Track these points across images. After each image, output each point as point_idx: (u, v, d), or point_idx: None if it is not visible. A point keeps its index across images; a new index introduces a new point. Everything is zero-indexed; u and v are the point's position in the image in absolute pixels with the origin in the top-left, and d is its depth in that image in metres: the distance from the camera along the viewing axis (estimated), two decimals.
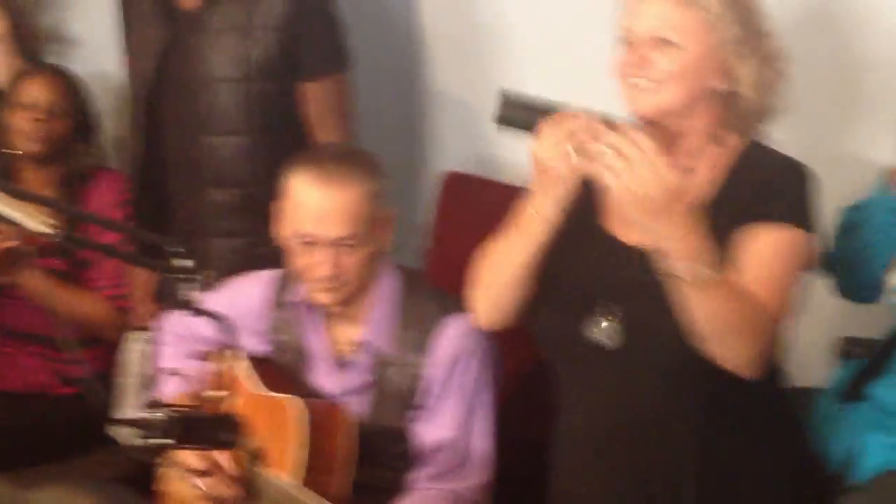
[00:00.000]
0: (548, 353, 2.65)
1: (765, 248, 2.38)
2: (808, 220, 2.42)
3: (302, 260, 2.74)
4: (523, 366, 2.99)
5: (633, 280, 2.43)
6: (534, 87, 3.43)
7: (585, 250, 2.48)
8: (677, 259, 2.25)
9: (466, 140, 3.77)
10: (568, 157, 2.32)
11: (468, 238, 3.47)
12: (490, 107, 3.56)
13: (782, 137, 2.56)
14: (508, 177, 3.59)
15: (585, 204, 2.51)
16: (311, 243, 2.71)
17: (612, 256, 2.48)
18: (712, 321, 2.30)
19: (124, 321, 3.65)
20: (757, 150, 2.50)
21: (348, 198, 2.70)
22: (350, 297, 2.78)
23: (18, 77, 3.80)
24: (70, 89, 3.78)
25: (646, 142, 2.22)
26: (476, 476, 2.78)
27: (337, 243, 2.70)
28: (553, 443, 2.68)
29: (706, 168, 2.48)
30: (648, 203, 2.21)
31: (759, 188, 2.42)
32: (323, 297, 2.76)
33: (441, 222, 3.64)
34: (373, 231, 2.73)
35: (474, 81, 3.70)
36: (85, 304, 3.66)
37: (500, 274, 2.56)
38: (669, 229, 2.23)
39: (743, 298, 2.32)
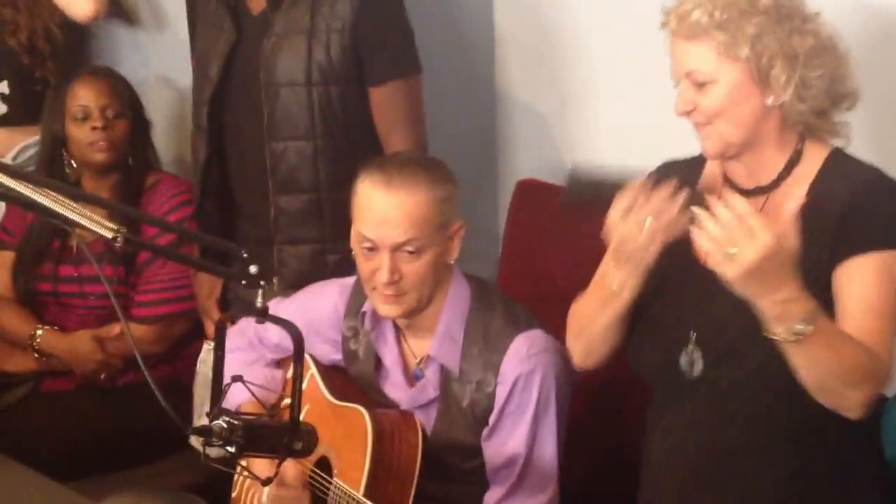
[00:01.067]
0: (643, 378, 2.65)
1: (865, 283, 2.35)
2: None
3: (365, 266, 2.73)
4: (614, 381, 2.96)
5: (716, 309, 2.42)
6: (605, 95, 3.54)
7: (675, 279, 2.47)
8: (774, 319, 2.22)
9: (539, 147, 3.74)
10: (649, 233, 2.34)
11: (541, 245, 3.53)
12: (562, 116, 3.62)
13: (865, 144, 2.53)
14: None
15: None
16: (372, 249, 2.69)
17: (698, 285, 2.46)
18: (818, 373, 2.28)
19: (167, 329, 3.67)
20: (840, 161, 2.47)
21: (411, 202, 2.68)
22: (415, 310, 2.75)
23: (66, 84, 3.74)
24: (119, 88, 3.74)
25: (740, 203, 2.20)
26: (542, 493, 2.75)
27: (397, 249, 2.67)
28: (643, 464, 2.67)
29: (791, 186, 2.45)
30: (744, 265, 2.17)
31: (847, 212, 2.37)
32: (385, 310, 2.75)
33: (513, 230, 3.61)
34: (437, 239, 2.71)
35: (546, 88, 3.67)
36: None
37: (588, 327, 2.58)
38: (764, 290, 2.20)
39: (847, 345, 2.28)
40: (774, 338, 2.23)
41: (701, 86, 2.39)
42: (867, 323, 2.32)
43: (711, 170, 2.57)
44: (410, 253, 2.67)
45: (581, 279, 3.31)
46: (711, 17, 2.35)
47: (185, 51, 3.63)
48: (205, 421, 2.14)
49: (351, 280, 2.90)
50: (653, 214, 2.31)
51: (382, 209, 2.68)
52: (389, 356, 2.85)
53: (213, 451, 2.15)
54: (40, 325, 3.70)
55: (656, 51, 3.09)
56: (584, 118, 3.60)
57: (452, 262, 2.77)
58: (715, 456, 2.50)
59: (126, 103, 3.71)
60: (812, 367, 2.27)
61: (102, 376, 3.67)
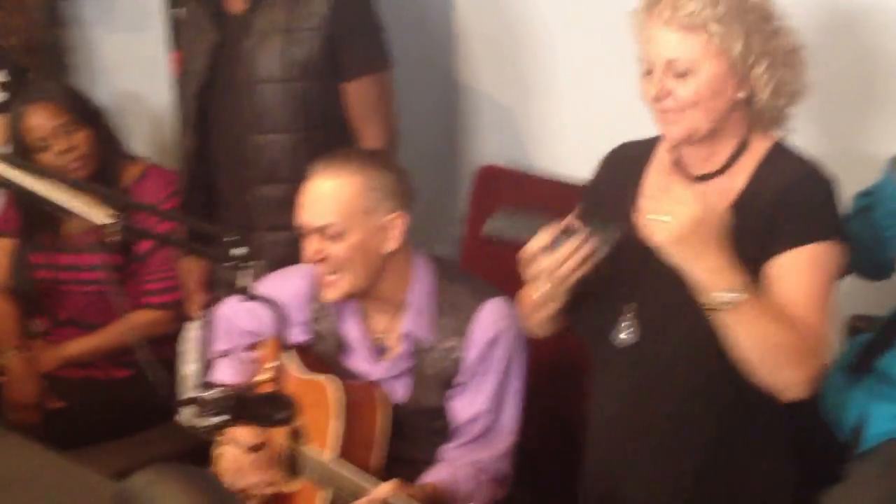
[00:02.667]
0: (585, 344, 2.70)
1: (797, 275, 2.37)
2: (832, 230, 2.42)
3: (304, 248, 2.77)
4: (559, 346, 2.95)
5: (649, 280, 2.46)
6: (565, 85, 3.54)
7: (615, 253, 2.47)
8: (704, 287, 2.28)
9: (500, 135, 3.78)
10: (558, 279, 2.43)
11: None
12: (522, 104, 3.65)
13: (804, 134, 2.57)
14: (539, 170, 3.62)
15: (618, 203, 2.56)
16: (301, 229, 2.75)
17: (636, 259, 2.48)
18: (749, 347, 2.32)
19: (176, 312, 3.70)
20: (778, 154, 2.50)
21: (331, 186, 2.71)
22: (357, 293, 2.79)
23: (17, 119, 3.66)
24: (61, 101, 3.67)
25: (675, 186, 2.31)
26: (500, 444, 2.81)
27: (319, 231, 2.71)
28: (587, 423, 2.72)
29: (735, 174, 2.49)
30: (673, 231, 2.26)
31: (777, 206, 2.40)
32: (324, 293, 2.79)
33: (476, 212, 3.64)
34: (362, 225, 2.72)
35: (508, 79, 3.71)
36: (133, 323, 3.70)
37: (532, 315, 2.65)
38: (693, 257, 2.27)
39: (778, 322, 2.32)
40: (705, 307, 2.29)
41: (680, 75, 2.39)
42: (801, 311, 2.35)
43: (663, 153, 2.59)
44: (332, 236, 2.70)
45: None
46: (713, 10, 2.35)
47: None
48: (192, 394, 2.20)
49: None
50: (554, 271, 2.39)
51: (310, 193, 2.74)
52: (353, 335, 2.88)
53: (203, 421, 2.19)
54: (12, 346, 3.72)
55: (614, 43, 3.13)
56: (544, 107, 3.63)
57: (391, 250, 2.76)
58: (642, 421, 2.56)
59: (75, 110, 3.67)
60: (743, 339, 2.30)
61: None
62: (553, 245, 2.41)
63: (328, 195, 2.71)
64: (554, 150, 3.63)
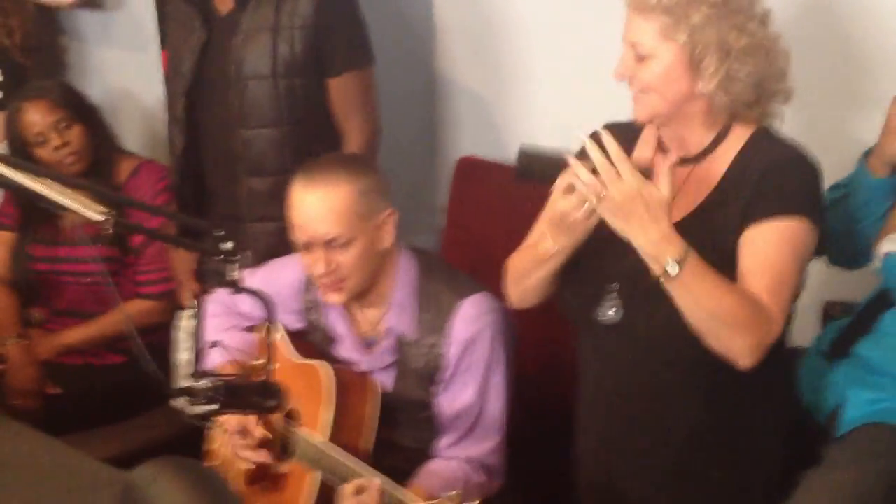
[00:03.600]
0: (571, 325, 2.70)
1: (765, 242, 2.38)
2: (807, 209, 2.41)
3: (305, 261, 2.78)
4: (552, 334, 3.01)
5: (633, 260, 2.41)
6: (541, 77, 3.54)
7: (599, 232, 2.45)
8: (649, 258, 2.30)
9: (478, 127, 3.79)
10: (588, 210, 2.36)
11: (480, 217, 3.54)
12: (500, 97, 3.65)
13: (789, 122, 2.57)
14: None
15: None
16: (307, 245, 2.74)
17: (619, 237, 2.45)
18: (697, 313, 2.32)
19: (169, 302, 3.73)
20: (762, 138, 2.50)
21: (330, 198, 2.70)
22: (361, 292, 2.81)
23: (15, 115, 3.71)
24: (57, 98, 3.71)
25: (615, 149, 2.26)
26: (490, 439, 2.83)
27: (327, 243, 2.71)
28: (576, 405, 2.74)
29: (717, 158, 2.50)
30: (610, 204, 2.27)
31: (760, 183, 2.41)
32: (330, 298, 2.80)
33: (455, 203, 3.68)
34: (364, 229, 2.73)
35: (485, 72, 3.73)
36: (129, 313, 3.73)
37: (523, 280, 2.63)
38: (635, 229, 2.28)
39: (725, 289, 2.32)
40: (654, 277, 2.29)
41: (641, 58, 2.41)
42: (762, 280, 2.34)
43: (648, 134, 2.59)
44: (341, 245, 2.71)
45: (517, 248, 3.38)
46: (660, 0, 2.38)
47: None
48: (185, 382, 2.23)
49: None
50: (593, 194, 2.29)
51: (306, 208, 2.72)
52: (340, 328, 2.89)
53: (197, 409, 2.23)
54: (13, 335, 3.77)
55: (589, 36, 3.16)
56: (520, 99, 3.65)
57: (387, 247, 2.78)
58: (631, 396, 2.57)
59: (70, 107, 3.71)
60: (690, 306, 2.30)
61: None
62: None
63: (327, 208, 2.70)
64: (530, 141, 3.58)
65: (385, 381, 2.84)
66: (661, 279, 2.29)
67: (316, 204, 2.71)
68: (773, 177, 2.41)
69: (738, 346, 2.34)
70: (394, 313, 2.82)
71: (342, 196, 2.71)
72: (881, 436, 2.55)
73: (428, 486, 2.68)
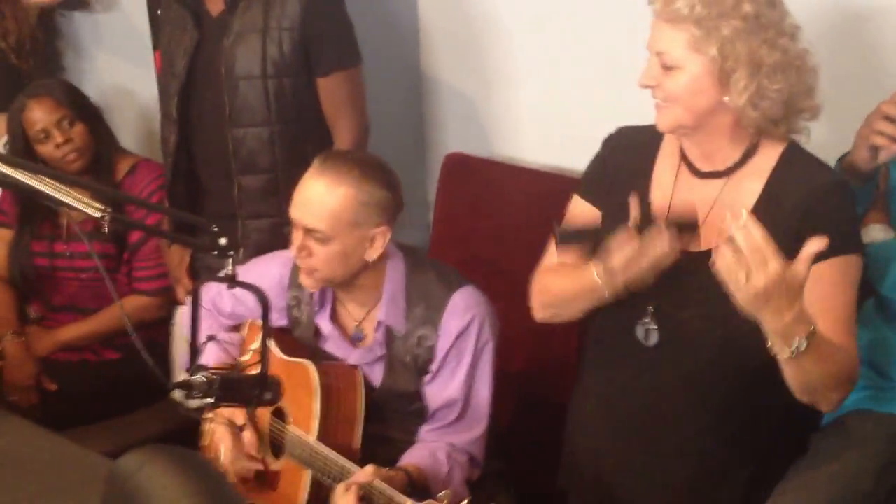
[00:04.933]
0: (593, 339, 2.68)
1: (832, 283, 2.33)
2: (859, 243, 2.41)
3: (292, 238, 2.78)
4: (542, 330, 2.96)
5: (671, 282, 2.41)
6: (525, 75, 3.54)
7: None
8: (778, 338, 2.19)
9: (464, 123, 3.79)
10: (646, 269, 2.35)
11: (467, 212, 3.56)
12: (485, 94, 3.65)
13: (817, 135, 2.51)
14: (502, 157, 3.66)
15: (630, 190, 2.50)
16: (295, 222, 2.74)
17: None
18: (807, 381, 2.28)
19: (165, 298, 3.74)
20: (795, 156, 2.45)
21: (329, 194, 2.69)
22: (332, 285, 2.80)
23: (18, 112, 3.70)
24: (61, 97, 3.71)
25: (756, 231, 2.08)
26: (474, 429, 2.83)
27: (308, 232, 2.71)
28: (574, 408, 2.74)
29: (747, 176, 2.45)
30: (753, 290, 2.10)
31: (804, 216, 2.35)
32: (302, 280, 2.79)
33: (443, 199, 3.68)
34: (348, 235, 2.70)
35: (470, 70, 3.73)
36: (124, 310, 3.73)
37: (561, 306, 2.59)
38: (771, 313, 2.14)
39: (836, 356, 2.28)
40: (775, 353, 2.20)
41: (667, 68, 2.36)
42: (837, 322, 2.32)
43: (670, 145, 2.55)
44: (317, 239, 2.69)
45: (503, 242, 3.38)
46: (692, 11, 2.31)
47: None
48: (184, 376, 2.20)
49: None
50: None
51: (306, 191, 2.72)
52: (325, 325, 2.89)
53: (193, 403, 2.19)
54: (10, 331, 3.76)
55: (573, 35, 3.15)
56: (505, 97, 3.65)
57: (371, 259, 2.74)
58: (649, 408, 2.55)
59: (73, 106, 3.71)
60: (804, 375, 2.26)
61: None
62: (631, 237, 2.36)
63: (322, 202, 2.69)
64: (516, 138, 3.66)
65: (375, 374, 2.84)
66: (785, 356, 2.21)
67: (313, 192, 2.71)
68: (820, 207, 2.37)
69: (835, 399, 2.36)
70: (384, 308, 2.81)
71: (339, 197, 2.69)
72: (866, 423, 2.55)
73: (416, 463, 2.70)
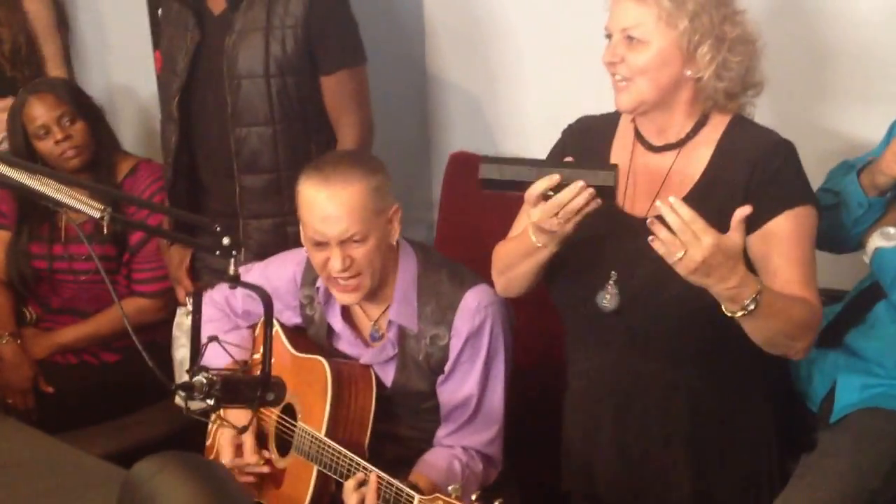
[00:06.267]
0: (563, 315, 2.69)
1: (787, 237, 2.41)
2: (809, 195, 2.46)
3: (317, 258, 2.74)
4: (547, 326, 2.99)
5: (630, 248, 2.45)
6: (529, 73, 3.55)
7: (595, 222, 2.42)
8: (727, 301, 2.28)
9: (469, 122, 3.78)
10: (563, 218, 2.35)
11: (473, 210, 3.55)
12: (490, 93, 3.66)
13: (761, 111, 2.59)
14: (508, 154, 3.61)
15: None
16: (322, 243, 2.70)
17: (616, 226, 2.50)
18: (767, 335, 2.36)
19: (165, 300, 3.71)
20: (740, 124, 2.52)
21: (348, 196, 2.67)
22: (370, 290, 2.77)
23: (19, 108, 3.67)
24: (63, 94, 3.69)
25: (684, 210, 2.20)
26: (489, 429, 2.82)
27: (345, 240, 2.68)
28: (565, 394, 2.74)
29: (698, 145, 2.50)
30: (692, 264, 2.21)
31: (752, 175, 2.42)
32: (344, 298, 2.77)
33: (448, 197, 3.66)
34: (377, 224, 2.71)
35: (475, 69, 3.72)
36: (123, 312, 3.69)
37: (510, 269, 2.61)
38: (714, 281, 2.24)
39: (791, 307, 2.35)
40: (728, 314, 2.30)
41: (633, 44, 2.42)
42: (796, 274, 2.39)
43: (625, 125, 2.61)
44: (356, 241, 2.68)
45: None
46: None
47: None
48: (185, 378, 2.17)
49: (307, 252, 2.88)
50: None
51: (324, 206, 2.68)
52: (338, 324, 2.87)
53: (194, 404, 2.18)
54: (7, 333, 3.73)
55: (577, 32, 3.15)
56: (510, 95, 3.64)
57: (395, 241, 2.77)
58: (627, 380, 2.57)
59: (75, 104, 3.68)
60: (762, 330, 2.34)
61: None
62: (559, 186, 2.35)
63: (347, 206, 2.66)
64: (520, 136, 3.65)
65: (386, 373, 2.82)
66: (737, 315, 2.29)
67: (333, 202, 2.67)
68: (766, 165, 2.43)
69: (799, 347, 2.42)
70: (396, 307, 2.79)
71: (358, 193, 2.67)
72: (875, 421, 2.56)
73: (429, 477, 2.68)
